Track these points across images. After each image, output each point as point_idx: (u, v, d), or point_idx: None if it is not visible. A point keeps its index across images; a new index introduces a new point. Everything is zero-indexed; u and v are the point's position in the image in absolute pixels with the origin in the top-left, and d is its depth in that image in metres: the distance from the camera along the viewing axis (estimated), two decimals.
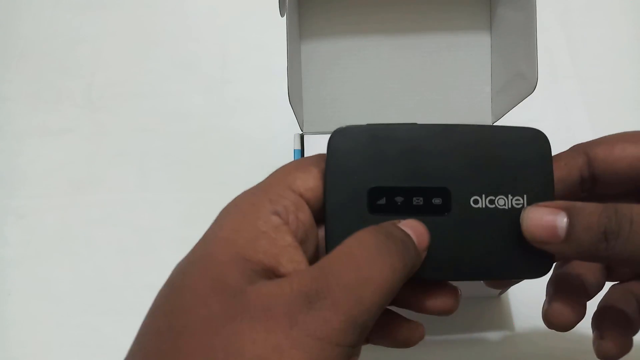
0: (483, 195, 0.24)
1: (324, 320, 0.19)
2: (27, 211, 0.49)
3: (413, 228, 0.23)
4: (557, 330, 0.27)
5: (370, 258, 0.21)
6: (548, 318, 0.26)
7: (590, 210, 0.22)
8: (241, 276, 0.20)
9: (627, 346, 0.27)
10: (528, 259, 0.24)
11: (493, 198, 0.24)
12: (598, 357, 0.27)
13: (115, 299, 0.44)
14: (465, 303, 0.41)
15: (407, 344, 0.25)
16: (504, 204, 0.24)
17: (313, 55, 0.35)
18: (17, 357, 0.43)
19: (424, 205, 0.24)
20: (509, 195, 0.24)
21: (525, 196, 0.24)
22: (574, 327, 0.26)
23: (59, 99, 0.54)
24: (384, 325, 0.25)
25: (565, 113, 0.50)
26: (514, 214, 0.24)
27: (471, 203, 0.24)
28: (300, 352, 0.19)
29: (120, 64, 0.55)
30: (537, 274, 0.25)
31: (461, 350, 0.40)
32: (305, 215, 0.24)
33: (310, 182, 0.24)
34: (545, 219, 0.23)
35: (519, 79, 0.32)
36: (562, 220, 0.22)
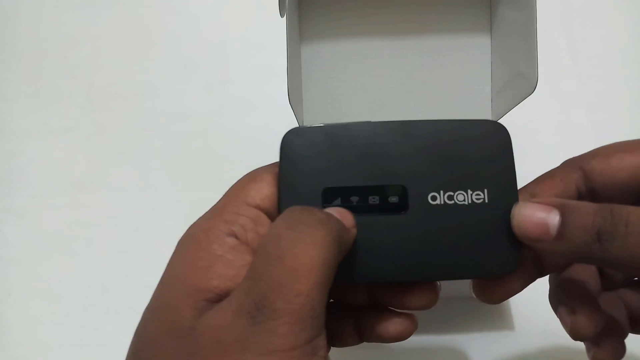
0: (441, 192, 0.24)
1: (270, 331, 0.18)
2: (27, 211, 0.49)
3: (330, 209, 0.22)
4: (582, 340, 0.26)
5: (289, 244, 0.20)
6: (576, 331, 0.25)
7: (585, 210, 0.22)
8: (192, 311, 0.20)
9: (621, 352, 0.27)
10: (492, 255, 0.24)
11: (452, 194, 0.24)
12: None
13: (115, 299, 0.44)
14: (465, 303, 0.41)
15: (400, 337, 0.25)
16: (464, 200, 0.24)
17: (313, 56, 0.35)
18: (18, 357, 0.43)
19: (381, 204, 0.24)
20: (469, 191, 0.24)
21: (486, 191, 0.24)
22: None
23: (60, 98, 0.54)
24: (375, 322, 0.25)
25: (565, 113, 0.50)
26: (475, 210, 0.24)
27: (429, 200, 0.24)
28: None
29: (120, 63, 0.55)
30: (502, 271, 0.24)
31: (461, 351, 0.40)
32: (266, 227, 0.23)
33: (265, 190, 0.24)
34: (537, 216, 0.22)
35: (519, 79, 0.32)
36: (554, 218, 0.22)
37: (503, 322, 0.41)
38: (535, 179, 0.26)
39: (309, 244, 0.20)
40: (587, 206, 0.22)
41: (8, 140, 0.52)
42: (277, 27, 0.31)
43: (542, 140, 0.46)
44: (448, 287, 0.37)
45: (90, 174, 0.50)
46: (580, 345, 0.28)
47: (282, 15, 0.31)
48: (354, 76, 0.36)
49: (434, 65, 0.35)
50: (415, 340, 0.39)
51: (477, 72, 0.35)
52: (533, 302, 0.37)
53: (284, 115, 0.36)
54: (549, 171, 0.26)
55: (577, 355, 0.39)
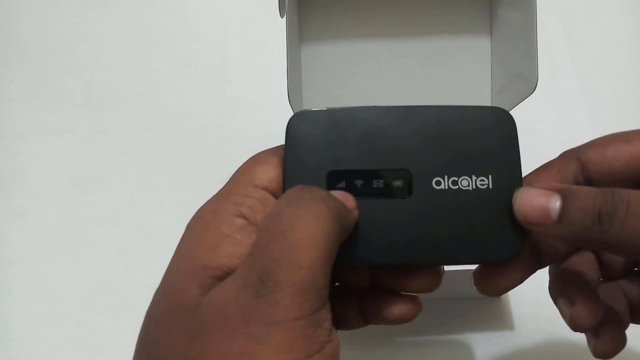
0: (446, 176, 0.24)
1: (274, 302, 0.19)
2: (28, 211, 0.49)
3: (331, 192, 0.22)
4: (582, 331, 0.26)
5: (290, 220, 0.20)
6: (575, 322, 0.25)
7: (586, 193, 0.22)
8: (198, 288, 0.20)
9: (622, 343, 0.27)
10: (495, 241, 0.24)
11: (456, 179, 0.24)
12: (594, 356, 0.27)
13: (115, 299, 0.44)
14: (465, 303, 0.41)
15: (405, 319, 0.25)
16: (468, 185, 0.24)
17: (313, 57, 0.35)
18: (18, 357, 0.43)
19: (385, 188, 0.24)
20: (473, 176, 0.24)
21: (490, 176, 0.24)
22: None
23: (60, 98, 0.54)
24: (379, 305, 0.25)
25: (565, 113, 0.50)
26: (479, 195, 0.24)
27: (433, 184, 0.24)
28: (264, 345, 0.18)
29: (121, 63, 0.55)
30: (505, 257, 0.24)
31: (461, 351, 0.40)
32: None
33: (271, 172, 0.24)
34: (538, 200, 0.22)
35: (519, 79, 0.32)
36: (555, 202, 0.22)
37: (503, 322, 0.41)
38: (533, 171, 0.26)
39: (310, 219, 0.20)
40: (588, 189, 0.22)
41: (8, 140, 0.52)
42: (277, 27, 0.31)
43: (542, 140, 0.46)
44: (448, 288, 0.37)
45: (90, 174, 0.50)
46: (580, 345, 0.28)
47: (282, 16, 0.31)
48: (354, 77, 0.36)
49: (434, 66, 0.35)
50: (415, 340, 0.39)
51: (477, 73, 0.35)
52: (533, 302, 0.38)
53: (284, 116, 0.37)
54: (547, 162, 0.26)
55: (577, 355, 0.39)
